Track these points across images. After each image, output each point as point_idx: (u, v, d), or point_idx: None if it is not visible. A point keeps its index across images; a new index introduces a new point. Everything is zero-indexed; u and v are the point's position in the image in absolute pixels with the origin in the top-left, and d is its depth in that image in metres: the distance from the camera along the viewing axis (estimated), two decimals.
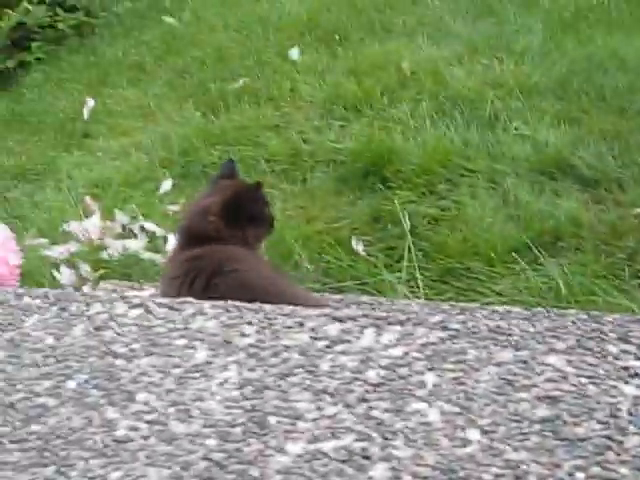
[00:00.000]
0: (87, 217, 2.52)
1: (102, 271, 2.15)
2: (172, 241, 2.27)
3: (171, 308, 1.21)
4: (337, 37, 3.79)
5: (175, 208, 2.56)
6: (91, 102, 3.54)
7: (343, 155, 2.73)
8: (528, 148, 2.57)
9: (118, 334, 1.18)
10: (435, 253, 2.17)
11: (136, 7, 4.92)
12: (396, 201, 2.36)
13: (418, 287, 2.00)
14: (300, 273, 2.12)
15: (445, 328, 1.07)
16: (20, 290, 1.35)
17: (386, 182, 2.53)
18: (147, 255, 2.24)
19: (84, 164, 3.07)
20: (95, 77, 3.93)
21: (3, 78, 4.37)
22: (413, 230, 2.25)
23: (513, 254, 2.09)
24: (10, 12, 4.31)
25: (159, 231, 2.40)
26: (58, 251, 2.30)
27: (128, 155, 3.07)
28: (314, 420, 0.97)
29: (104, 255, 2.28)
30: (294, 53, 3.65)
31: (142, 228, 2.42)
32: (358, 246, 2.24)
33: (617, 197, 2.31)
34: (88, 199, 2.64)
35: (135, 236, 2.39)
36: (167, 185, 2.73)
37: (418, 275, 2.04)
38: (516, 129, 2.70)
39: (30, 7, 4.38)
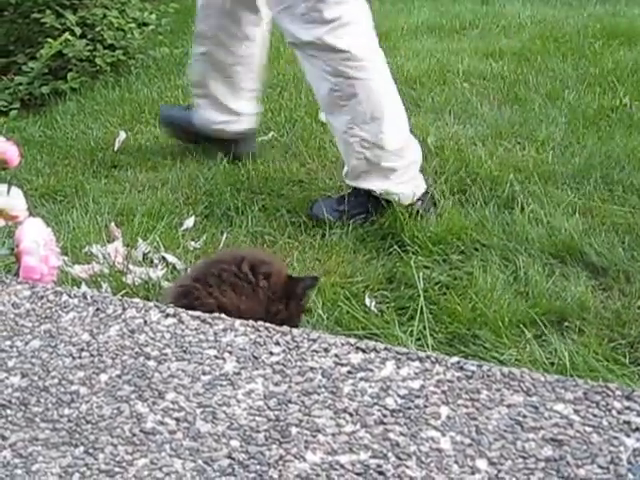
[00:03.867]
0: (110, 242, 2.59)
1: (123, 291, 2.22)
2: None
3: (204, 321, 1.27)
4: None
5: (196, 245, 2.63)
6: (122, 135, 3.62)
7: None
8: (542, 231, 2.63)
9: (151, 338, 1.24)
10: (444, 317, 2.22)
11: (174, 53, 5.05)
12: (412, 264, 2.42)
13: (427, 346, 2.06)
14: (312, 319, 2.18)
15: (461, 369, 1.13)
16: (59, 288, 1.41)
17: (402, 246, 2.59)
18: (167, 284, 2.30)
19: (111, 192, 3.14)
20: (128, 112, 4.01)
21: (37, 104, 4.48)
22: (425, 293, 2.31)
23: (520, 326, 2.14)
24: (52, 41, 4.43)
25: (179, 264, 2.46)
26: (80, 269, 2.36)
27: (154, 189, 3.14)
28: (333, 435, 1.03)
29: (124, 279, 2.34)
30: (324, 115, 3.75)
31: (163, 259, 2.48)
32: (371, 302, 2.29)
33: (623, 287, 2.36)
34: (113, 225, 2.71)
35: (155, 265, 2.45)
36: (190, 222, 2.79)
37: (428, 334, 2.10)
38: (532, 212, 2.77)
39: (71, 39, 4.51)
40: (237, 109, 3.35)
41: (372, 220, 2.77)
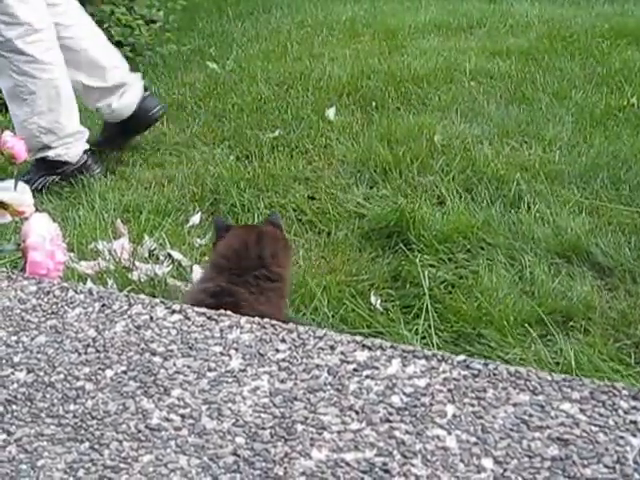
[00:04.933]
0: (116, 239, 2.59)
1: (129, 288, 2.22)
2: (197, 271, 2.34)
3: (209, 318, 1.27)
4: (374, 103, 3.89)
5: (202, 241, 2.63)
6: None
7: (369, 215, 2.79)
8: (548, 230, 2.63)
9: (157, 334, 1.24)
10: (450, 316, 2.22)
11: (181, 50, 5.06)
12: (418, 262, 2.42)
13: (432, 344, 2.06)
14: (318, 317, 2.18)
15: (467, 367, 1.12)
16: (65, 284, 1.41)
17: (408, 245, 2.58)
18: (172, 281, 2.30)
19: (117, 189, 3.14)
20: None
21: None
22: (430, 292, 2.31)
23: (526, 326, 2.14)
24: None
25: (185, 261, 2.46)
26: (86, 265, 2.37)
27: (160, 186, 3.14)
28: (339, 432, 1.03)
29: (130, 275, 2.34)
30: (331, 113, 3.75)
31: (169, 255, 2.49)
32: (376, 301, 2.29)
33: (629, 287, 2.36)
34: (119, 222, 2.71)
35: (161, 262, 2.45)
36: (196, 219, 2.80)
37: (433, 333, 2.10)
38: (538, 212, 2.77)
39: None
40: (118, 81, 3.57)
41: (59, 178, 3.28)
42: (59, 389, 1.14)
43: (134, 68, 4.67)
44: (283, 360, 1.16)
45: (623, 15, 5.58)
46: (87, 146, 3.40)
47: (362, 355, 1.16)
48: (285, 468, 0.98)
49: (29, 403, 1.12)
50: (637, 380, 1.94)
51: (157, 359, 1.18)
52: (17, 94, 3.15)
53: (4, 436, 1.07)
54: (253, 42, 5.29)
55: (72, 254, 2.43)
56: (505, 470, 0.95)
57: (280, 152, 3.38)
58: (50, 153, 3.26)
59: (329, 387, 1.10)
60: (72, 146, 3.31)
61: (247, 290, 1.68)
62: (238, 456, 1.00)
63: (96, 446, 1.04)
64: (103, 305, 1.33)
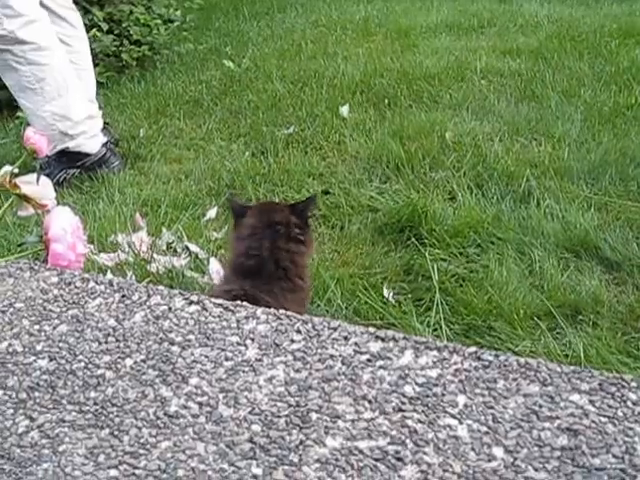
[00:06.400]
0: (135, 232, 2.62)
1: (147, 279, 2.25)
2: (213, 264, 2.37)
3: (226, 309, 1.30)
4: (386, 101, 3.92)
5: (218, 235, 2.66)
6: (147, 128, 3.68)
7: (382, 209, 2.82)
8: (557, 226, 2.64)
9: (175, 324, 1.26)
10: (461, 308, 2.24)
11: (198, 49, 5.10)
12: (427, 256, 2.45)
13: (443, 336, 2.08)
14: (332, 308, 2.20)
15: (479, 358, 1.14)
16: (86, 275, 1.44)
17: (420, 239, 2.61)
18: (189, 273, 2.33)
19: (136, 183, 3.19)
20: (153, 106, 4.07)
21: None
22: (441, 285, 2.33)
23: (535, 319, 2.16)
24: None
25: (202, 253, 2.49)
26: (106, 257, 2.40)
27: (178, 181, 3.18)
28: (352, 421, 1.05)
29: (149, 267, 2.37)
30: (344, 110, 3.78)
31: (186, 248, 2.52)
32: (389, 293, 2.31)
33: (637, 282, 2.36)
34: (137, 215, 2.74)
35: (179, 255, 2.48)
36: (212, 213, 2.83)
37: (444, 325, 2.12)
38: (548, 207, 2.78)
39: (98, 34, 4.54)
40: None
41: (79, 171, 3.34)
42: (80, 377, 1.17)
43: (152, 66, 4.75)
44: (298, 350, 1.18)
45: (631, 15, 5.58)
46: (106, 139, 3.43)
47: (375, 346, 1.18)
48: (300, 455, 1.00)
49: (51, 390, 1.15)
50: None
51: (175, 348, 1.21)
52: (25, 85, 3.16)
53: (27, 422, 1.10)
54: (268, 41, 5.33)
55: (92, 246, 2.47)
56: (515, 459, 0.97)
57: (295, 148, 3.41)
58: (71, 144, 3.29)
59: (343, 377, 1.12)
60: (91, 137, 3.35)
61: (271, 298, 1.71)
62: (254, 443, 1.02)
63: (116, 432, 1.06)
64: (123, 296, 1.36)
